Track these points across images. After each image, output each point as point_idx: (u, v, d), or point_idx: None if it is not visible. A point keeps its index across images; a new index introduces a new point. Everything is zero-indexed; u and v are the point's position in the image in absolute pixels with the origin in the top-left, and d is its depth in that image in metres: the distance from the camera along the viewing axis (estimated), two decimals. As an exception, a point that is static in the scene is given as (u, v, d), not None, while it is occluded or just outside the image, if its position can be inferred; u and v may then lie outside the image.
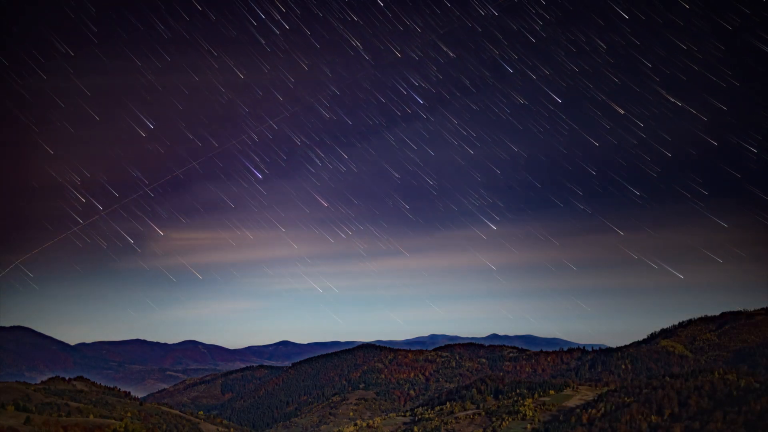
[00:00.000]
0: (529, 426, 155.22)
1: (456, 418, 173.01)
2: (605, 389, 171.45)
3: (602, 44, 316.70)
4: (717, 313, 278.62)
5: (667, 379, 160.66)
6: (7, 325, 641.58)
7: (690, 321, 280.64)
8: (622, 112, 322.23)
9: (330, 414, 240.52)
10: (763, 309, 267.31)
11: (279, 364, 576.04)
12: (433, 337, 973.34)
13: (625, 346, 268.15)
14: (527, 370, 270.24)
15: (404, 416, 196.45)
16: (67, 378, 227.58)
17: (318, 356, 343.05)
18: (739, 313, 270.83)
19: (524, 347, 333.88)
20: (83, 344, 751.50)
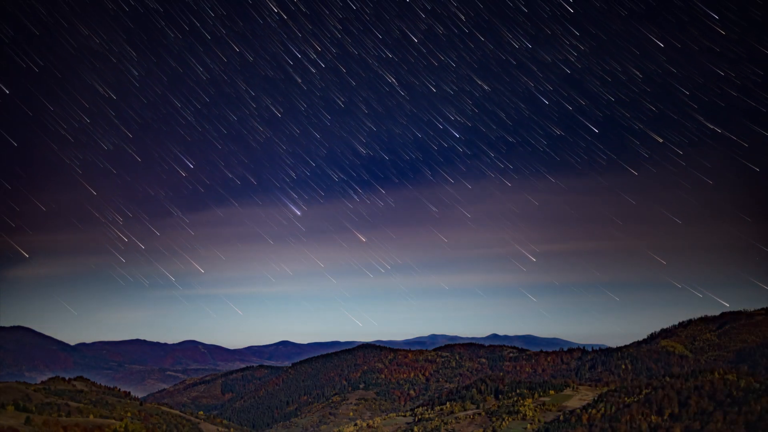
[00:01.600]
0: (529, 426, 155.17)
1: (456, 418, 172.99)
2: (605, 389, 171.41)
3: (638, 73, 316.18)
4: (717, 313, 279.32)
5: (667, 379, 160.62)
6: (7, 325, 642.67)
7: (690, 321, 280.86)
8: (661, 140, 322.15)
9: (330, 414, 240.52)
10: (763, 309, 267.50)
11: (279, 364, 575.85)
12: (433, 337, 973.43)
13: (625, 346, 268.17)
14: (527, 370, 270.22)
15: (404, 416, 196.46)
16: (67, 378, 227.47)
17: (318, 356, 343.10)
18: (739, 313, 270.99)
19: (524, 347, 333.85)
20: (83, 344, 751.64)
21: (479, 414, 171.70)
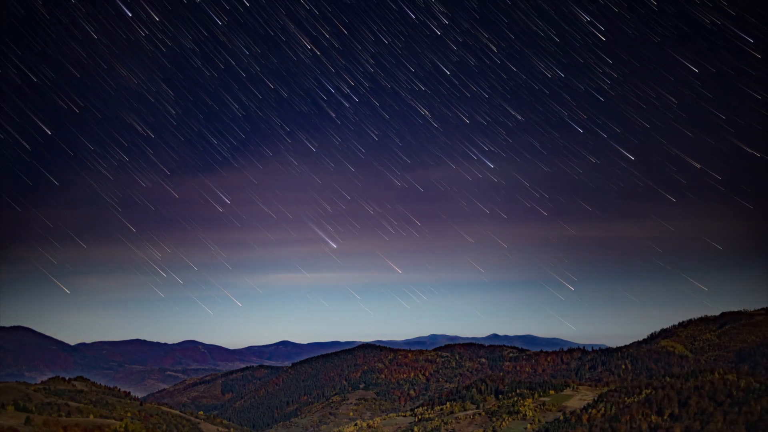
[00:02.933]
0: (529, 426, 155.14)
1: (456, 418, 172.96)
2: (605, 389, 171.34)
3: (673, 99, 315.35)
4: (717, 313, 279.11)
5: (667, 379, 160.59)
6: (7, 325, 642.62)
7: (690, 321, 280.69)
8: (698, 166, 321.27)
9: (330, 414, 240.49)
10: (763, 309, 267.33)
11: (279, 364, 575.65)
12: (433, 337, 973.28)
13: (625, 346, 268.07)
14: (527, 370, 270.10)
15: (404, 416, 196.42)
16: (67, 378, 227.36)
17: (318, 356, 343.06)
18: (739, 313, 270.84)
19: (524, 347, 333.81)
20: (83, 344, 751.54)
21: (479, 414, 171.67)
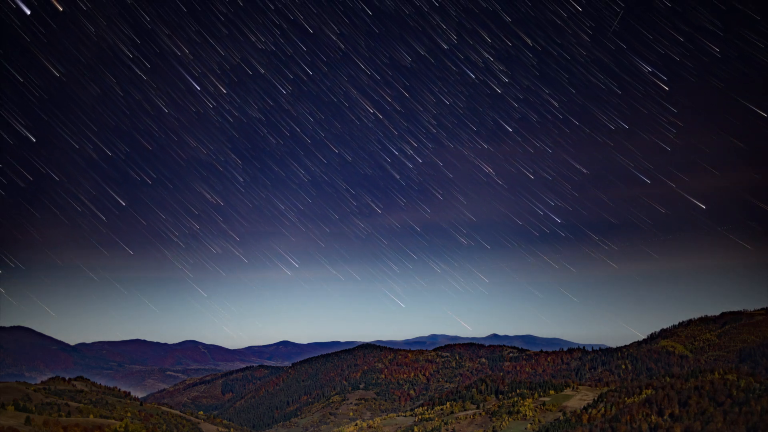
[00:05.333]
0: (529, 426, 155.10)
1: (456, 418, 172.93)
2: (605, 389, 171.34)
3: (741, 144, 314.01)
4: (717, 313, 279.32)
5: (667, 379, 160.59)
6: (7, 325, 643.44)
7: (690, 321, 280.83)
8: None
9: (330, 414, 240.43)
10: (763, 309, 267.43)
11: (279, 364, 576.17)
12: (433, 337, 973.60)
13: (625, 346, 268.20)
14: (527, 370, 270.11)
15: (404, 416, 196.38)
16: (67, 378, 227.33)
17: (318, 356, 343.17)
18: (739, 313, 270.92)
19: (524, 347, 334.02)
20: (83, 344, 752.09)
21: (479, 414, 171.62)
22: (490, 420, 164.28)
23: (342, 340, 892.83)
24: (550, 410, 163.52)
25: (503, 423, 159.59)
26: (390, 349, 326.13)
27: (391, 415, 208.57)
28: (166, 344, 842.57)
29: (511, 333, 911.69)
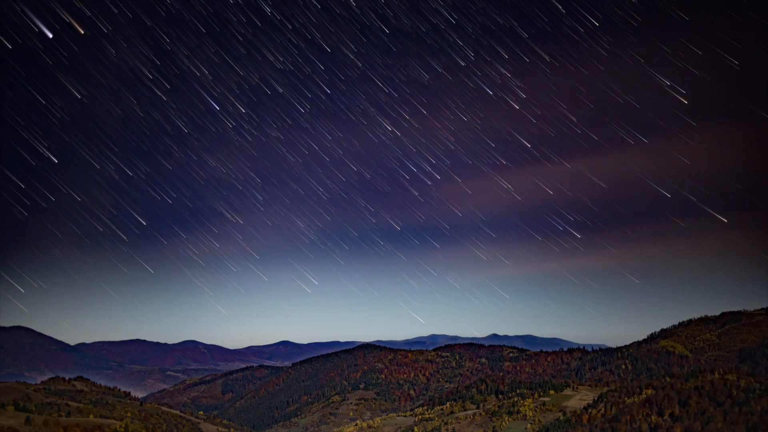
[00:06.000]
0: (529, 426, 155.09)
1: (456, 418, 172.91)
2: (605, 389, 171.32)
3: (761, 155, 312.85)
4: (717, 313, 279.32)
5: (668, 379, 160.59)
6: (7, 325, 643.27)
7: (690, 321, 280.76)
8: None
9: (330, 414, 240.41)
10: (763, 309, 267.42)
11: (279, 364, 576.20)
12: (433, 337, 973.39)
13: (625, 346, 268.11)
14: (527, 370, 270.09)
15: (404, 416, 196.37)
16: (67, 378, 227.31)
17: (318, 356, 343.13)
18: (739, 313, 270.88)
19: (524, 347, 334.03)
20: (83, 344, 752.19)
21: (479, 414, 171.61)
22: (490, 420, 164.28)
23: (342, 340, 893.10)
24: (550, 410, 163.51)
25: (503, 423, 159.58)
26: (390, 349, 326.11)
27: (391, 415, 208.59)
28: (166, 344, 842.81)
29: (511, 333, 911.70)
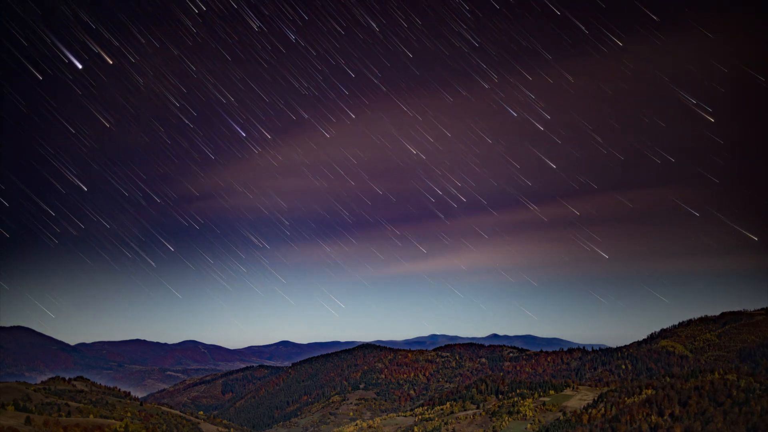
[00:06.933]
0: (529, 426, 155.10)
1: (456, 418, 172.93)
2: (605, 389, 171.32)
3: None
4: (717, 313, 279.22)
5: (668, 379, 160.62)
6: (7, 325, 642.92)
7: (690, 321, 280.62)
8: None
9: (330, 414, 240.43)
10: (763, 309, 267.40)
11: (279, 364, 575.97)
12: (433, 337, 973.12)
13: (625, 346, 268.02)
14: (527, 370, 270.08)
15: (404, 416, 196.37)
16: (67, 378, 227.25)
17: (318, 356, 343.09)
18: (739, 313, 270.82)
19: (524, 347, 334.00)
20: (83, 344, 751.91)
21: (479, 414, 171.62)
22: (490, 420, 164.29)
23: (342, 340, 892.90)
24: (550, 410, 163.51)
25: (503, 423, 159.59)
26: (390, 349, 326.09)
27: (391, 415, 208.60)
28: (166, 344, 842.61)
29: (511, 333, 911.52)
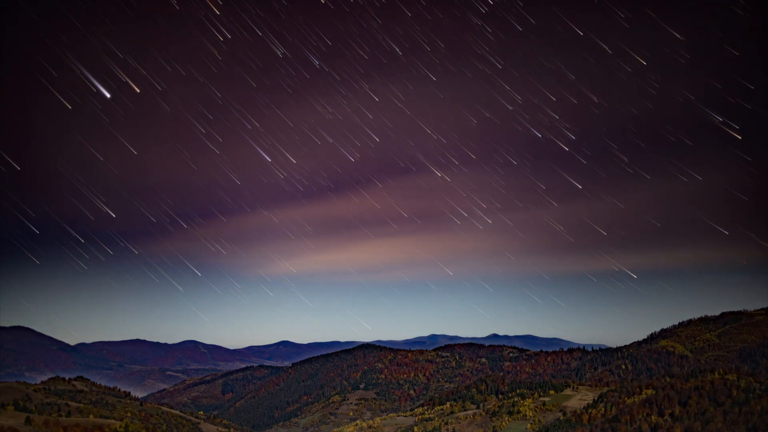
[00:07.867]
0: (529, 426, 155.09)
1: (456, 418, 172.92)
2: (605, 389, 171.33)
3: None
4: (717, 313, 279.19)
5: (668, 379, 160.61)
6: (7, 325, 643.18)
7: (690, 321, 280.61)
8: None
9: (330, 414, 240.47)
10: (763, 309, 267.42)
11: (279, 364, 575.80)
12: (433, 337, 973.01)
13: (625, 346, 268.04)
14: (527, 370, 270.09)
15: (404, 416, 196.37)
16: (67, 378, 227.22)
17: (318, 356, 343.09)
18: (739, 313, 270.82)
19: (524, 347, 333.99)
20: (83, 344, 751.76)
21: (479, 414, 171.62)
22: (490, 420, 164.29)
23: (342, 340, 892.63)
24: (550, 410, 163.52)
25: (503, 423, 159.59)
26: (390, 349, 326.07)
27: (391, 415, 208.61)
28: (166, 344, 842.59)
29: (511, 333, 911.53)
